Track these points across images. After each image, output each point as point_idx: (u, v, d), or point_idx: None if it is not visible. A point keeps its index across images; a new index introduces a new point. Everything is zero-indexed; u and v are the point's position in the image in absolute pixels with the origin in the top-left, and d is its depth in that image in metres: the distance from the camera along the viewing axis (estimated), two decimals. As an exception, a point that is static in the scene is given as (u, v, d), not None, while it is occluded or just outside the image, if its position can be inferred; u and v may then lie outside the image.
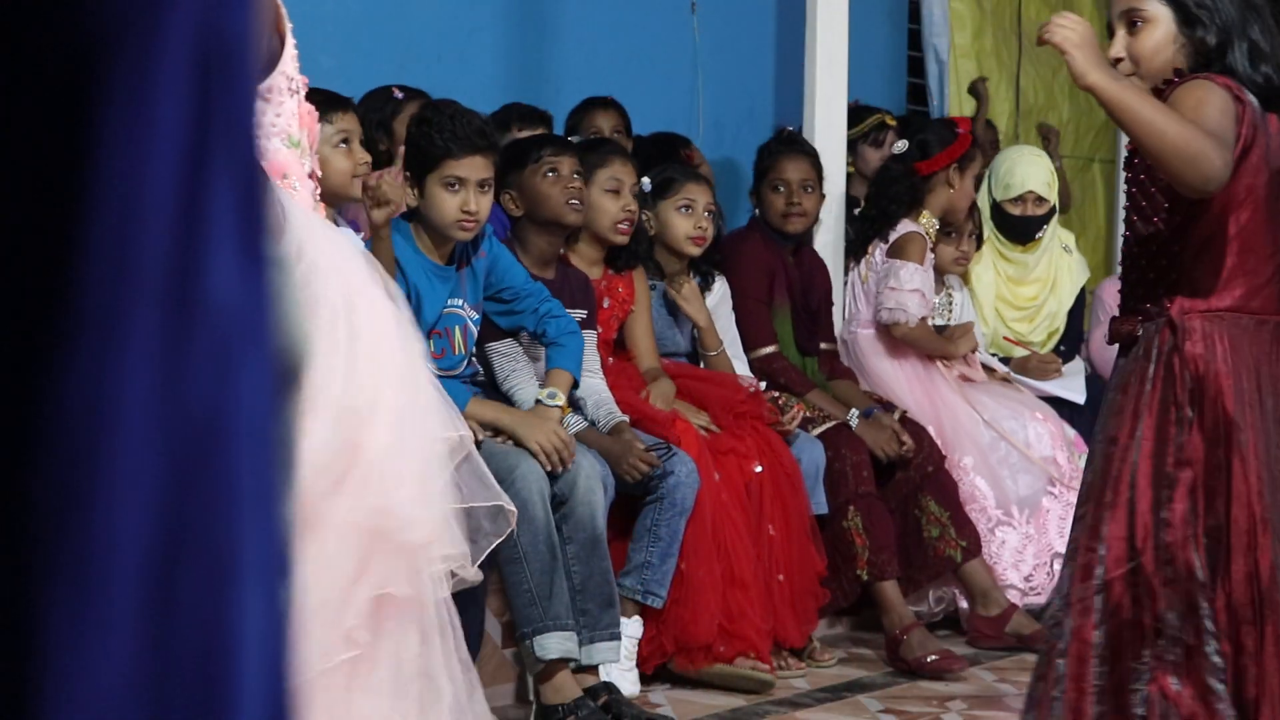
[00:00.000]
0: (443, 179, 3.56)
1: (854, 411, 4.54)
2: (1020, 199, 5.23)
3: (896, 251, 4.80)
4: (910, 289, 4.74)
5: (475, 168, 3.57)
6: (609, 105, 4.97)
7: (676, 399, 4.18)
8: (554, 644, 3.47)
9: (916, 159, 4.88)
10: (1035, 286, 5.33)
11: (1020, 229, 5.23)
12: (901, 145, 4.92)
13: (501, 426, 3.59)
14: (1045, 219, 5.26)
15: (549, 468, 3.53)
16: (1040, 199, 5.23)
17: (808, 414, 4.45)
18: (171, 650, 0.63)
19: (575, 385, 3.80)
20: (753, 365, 4.57)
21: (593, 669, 3.61)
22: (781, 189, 4.66)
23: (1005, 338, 5.32)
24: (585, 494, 3.63)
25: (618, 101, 4.99)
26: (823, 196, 4.76)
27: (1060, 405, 5.14)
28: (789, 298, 4.68)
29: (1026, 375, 5.23)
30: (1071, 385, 5.25)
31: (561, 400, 3.72)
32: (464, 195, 3.55)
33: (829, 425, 4.48)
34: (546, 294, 3.82)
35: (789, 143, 4.76)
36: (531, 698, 3.59)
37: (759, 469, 4.11)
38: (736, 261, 4.64)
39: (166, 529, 0.63)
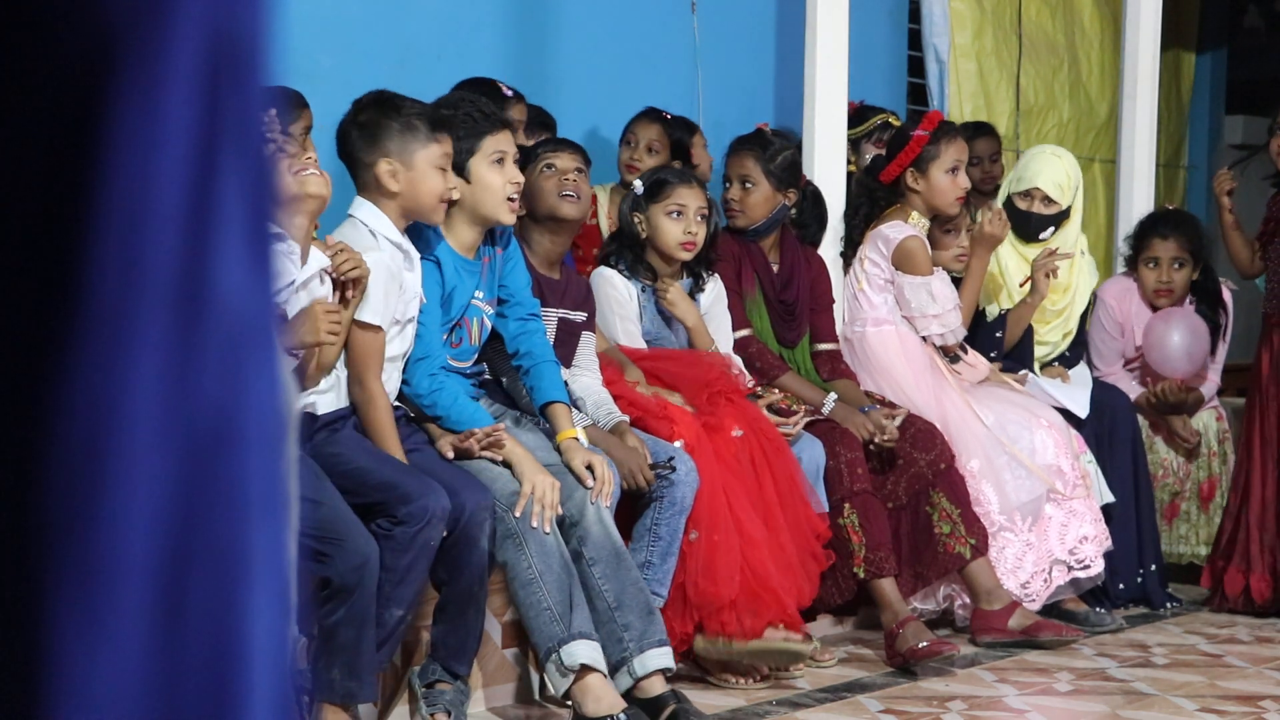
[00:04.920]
0: (488, 158, 3.64)
1: (831, 396, 4.55)
2: (1028, 194, 5.24)
3: (902, 261, 4.81)
4: (950, 307, 4.81)
5: (510, 141, 3.71)
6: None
7: (650, 385, 4.18)
8: (582, 650, 3.44)
9: (880, 167, 4.93)
10: (1056, 294, 5.33)
11: (1021, 224, 5.23)
12: (869, 156, 5.00)
13: (510, 458, 3.58)
14: (1052, 220, 5.25)
15: (528, 512, 3.50)
16: (1048, 199, 5.22)
17: (783, 403, 4.45)
18: (181, 652, 0.63)
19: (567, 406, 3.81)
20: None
21: (653, 681, 3.56)
22: (726, 184, 4.69)
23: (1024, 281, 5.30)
24: (596, 512, 3.62)
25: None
26: (780, 193, 4.69)
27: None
28: (760, 288, 4.68)
29: (1041, 285, 5.18)
30: (1077, 396, 5.23)
31: (585, 438, 3.73)
32: (509, 169, 3.65)
33: (816, 418, 4.49)
34: (538, 311, 3.84)
35: (742, 140, 4.77)
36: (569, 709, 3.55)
37: (738, 433, 4.11)
38: None
39: (176, 530, 0.63)
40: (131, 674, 0.62)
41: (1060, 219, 5.26)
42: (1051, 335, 5.40)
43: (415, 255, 3.56)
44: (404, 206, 3.50)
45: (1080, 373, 5.43)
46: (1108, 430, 5.23)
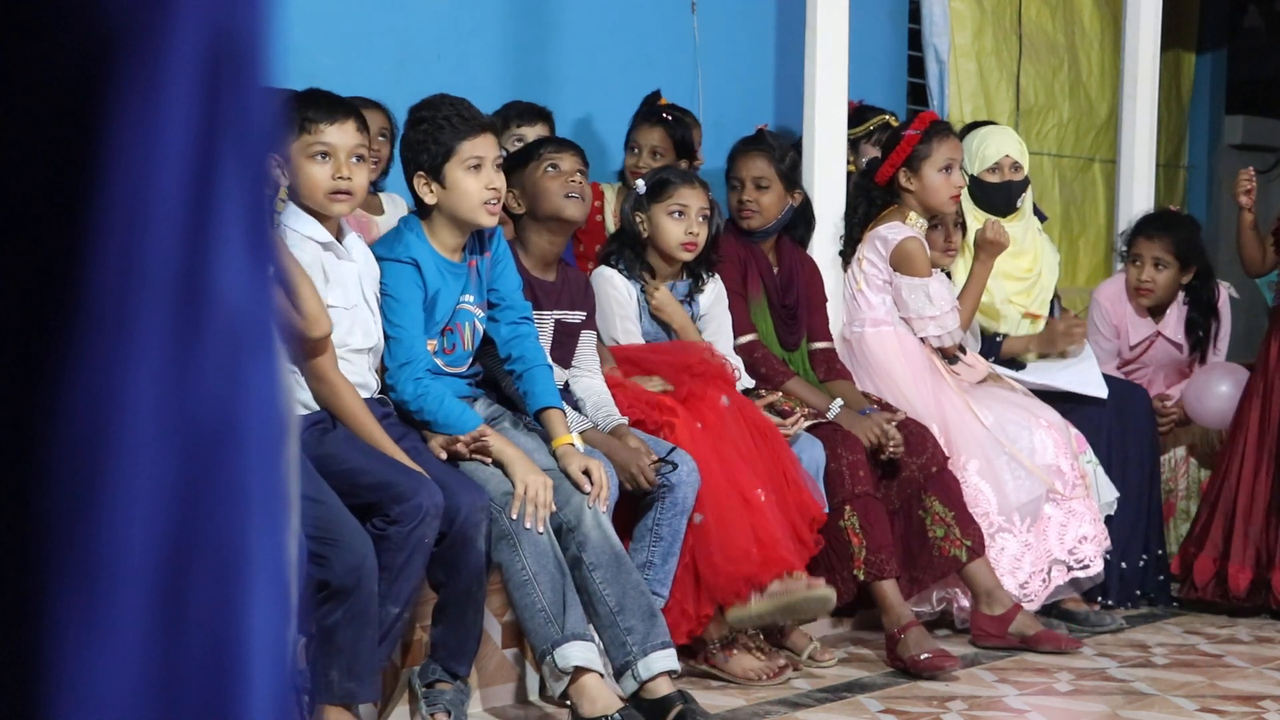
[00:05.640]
0: (464, 163, 3.61)
1: (837, 401, 4.54)
2: (996, 167, 5.24)
3: (901, 262, 4.80)
4: (948, 309, 4.81)
5: (490, 145, 3.66)
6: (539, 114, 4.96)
7: (628, 374, 4.19)
8: (576, 652, 3.44)
9: (875, 168, 4.93)
10: (1028, 257, 5.34)
11: (1002, 197, 5.23)
12: (867, 157, 5.00)
13: (502, 458, 3.57)
14: (1023, 186, 5.28)
15: (522, 513, 3.49)
16: (1016, 165, 5.24)
17: (786, 405, 4.45)
18: (181, 651, 0.63)
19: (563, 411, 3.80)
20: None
21: (659, 682, 3.55)
22: (737, 186, 4.68)
23: (1028, 313, 5.31)
24: (594, 517, 3.62)
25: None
26: (789, 194, 4.72)
27: (1065, 399, 5.12)
28: (764, 292, 4.68)
29: (1053, 345, 5.22)
30: (1089, 378, 5.22)
31: (581, 444, 3.73)
32: (486, 174, 3.61)
33: (819, 421, 4.49)
34: (529, 314, 3.83)
35: (750, 141, 4.77)
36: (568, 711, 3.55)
37: (725, 400, 4.11)
38: None
39: (175, 531, 0.63)
40: (131, 674, 0.62)
41: (1025, 185, 5.30)
42: (1035, 306, 5.39)
43: (354, 249, 3.52)
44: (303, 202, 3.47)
45: (1084, 350, 5.39)
46: (1128, 426, 5.23)
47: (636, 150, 5.19)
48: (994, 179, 5.22)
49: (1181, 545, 5.27)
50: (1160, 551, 5.27)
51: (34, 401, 0.63)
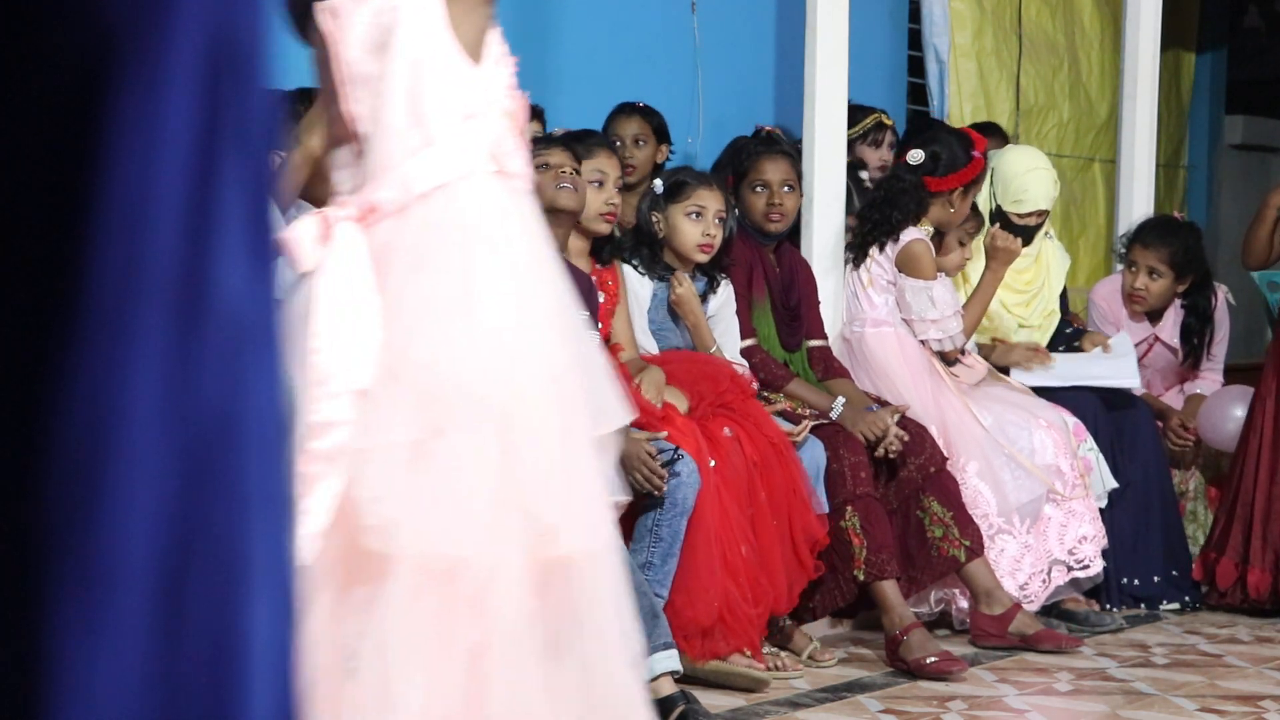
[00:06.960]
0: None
1: (839, 400, 4.53)
2: (1027, 214, 5.23)
3: (906, 263, 4.79)
4: (950, 313, 4.81)
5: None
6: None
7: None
8: None
9: (929, 172, 4.86)
10: (1031, 272, 5.34)
11: (1022, 234, 5.22)
12: (918, 155, 4.89)
13: None
14: (1040, 226, 5.29)
15: None
16: (1043, 213, 5.26)
17: (789, 406, 4.45)
18: (181, 652, 0.63)
19: None
20: None
21: (662, 683, 3.55)
22: (761, 189, 4.65)
23: (995, 338, 5.33)
24: None
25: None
26: (801, 195, 4.75)
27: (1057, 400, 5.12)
28: (768, 294, 4.68)
29: (1011, 363, 5.23)
30: (1123, 369, 5.21)
31: None
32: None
33: (821, 423, 4.49)
34: None
35: (768, 142, 4.76)
36: None
37: (727, 432, 4.10)
38: None
39: (176, 532, 0.63)
40: (131, 674, 0.62)
41: (1045, 220, 5.33)
42: (1034, 318, 5.38)
43: None
44: None
45: (1121, 342, 5.37)
46: (1128, 442, 5.22)
47: (619, 144, 5.21)
48: (1019, 221, 5.22)
49: (1202, 551, 5.25)
50: (1189, 564, 5.26)
51: (35, 401, 0.63)
